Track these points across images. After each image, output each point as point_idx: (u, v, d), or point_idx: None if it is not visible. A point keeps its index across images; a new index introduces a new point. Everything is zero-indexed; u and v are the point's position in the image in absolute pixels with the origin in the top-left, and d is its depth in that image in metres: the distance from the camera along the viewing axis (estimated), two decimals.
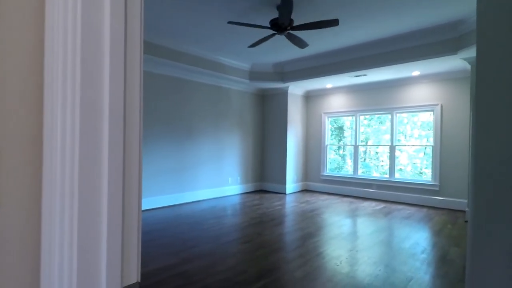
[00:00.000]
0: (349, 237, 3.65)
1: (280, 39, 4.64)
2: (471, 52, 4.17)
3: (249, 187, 6.97)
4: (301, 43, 4.01)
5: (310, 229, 3.95)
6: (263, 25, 3.90)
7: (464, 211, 4.99)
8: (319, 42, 4.79)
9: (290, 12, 3.25)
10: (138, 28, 0.62)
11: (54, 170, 0.58)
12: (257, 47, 5.02)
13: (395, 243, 3.46)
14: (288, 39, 3.88)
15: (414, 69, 5.14)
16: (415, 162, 5.97)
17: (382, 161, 6.37)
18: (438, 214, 4.88)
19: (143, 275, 2.55)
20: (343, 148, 6.99)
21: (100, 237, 0.57)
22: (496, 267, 1.36)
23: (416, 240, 3.54)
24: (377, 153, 6.50)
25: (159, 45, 4.68)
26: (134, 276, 0.62)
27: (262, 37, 4.51)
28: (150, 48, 4.58)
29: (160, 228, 3.93)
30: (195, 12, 3.72)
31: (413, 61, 4.65)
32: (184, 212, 4.84)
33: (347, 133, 6.93)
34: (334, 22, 3.43)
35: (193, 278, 2.51)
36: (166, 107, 5.27)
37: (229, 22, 3.56)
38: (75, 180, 0.55)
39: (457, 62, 4.67)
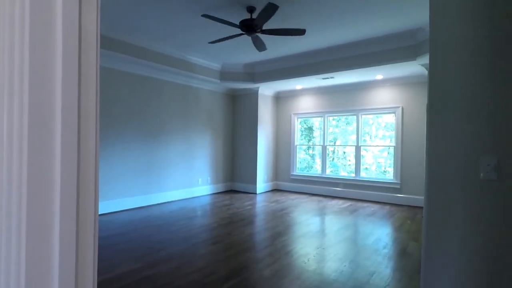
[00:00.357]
0: (317, 235, 3.75)
1: (250, 40, 4.66)
2: (428, 59, 4.46)
3: (220, 187, 6.92)
4: (262, 47, 4.06)
5: (279, 228, 4.01)
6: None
7: (422, 208, 5.33)
8: (288, 44, 4.87)
9: (269, 17, 3.26)
10: (94, 20, 0.60)
11: (0, 178, 0.53)
12: (228, 47, 5.00)
13: (359, 239, 3.61)
14: (252, 41, 3.89)
15: (377, 73, 5.40)
16: (380, 162, 6.27)
17: (349, 160, 6.62)
18: (399, 210, 5.17)
19: (106, 281, 2.44)
20: (313, 148, 7.18)
21: (51, 248, 0.54)
22: (446, 256, 1.46)
23: (379, 236, 3.71)
24: (344, 152, 6.75)
25: (124, 41, 4.50)
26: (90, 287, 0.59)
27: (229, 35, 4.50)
28: (115, 45, 4.39)
29: (126, 231, 3.78)
30: (162, 8, 3.62)
31: (376, 65, 4.88)
32: (152, 214, 4.70)
33: (316, 133, 7.12)
34: (301, 32, 3.57)
35: (160, 281, 2.45)
36: (132, 106, 5.08)
37: (203, 15, 3.51)
38: (24, 189, 0.52)
39: (416, 68, 4.97)
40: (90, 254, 0.59)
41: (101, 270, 2.64)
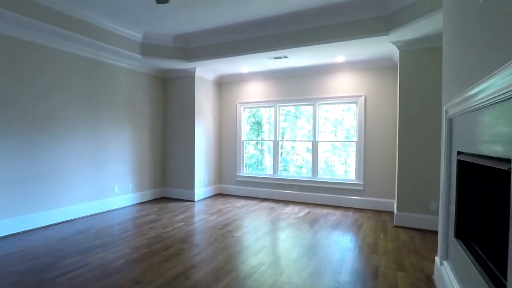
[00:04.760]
0: (270, 272, 2.61)
1: (180, 2, 3.31)
2: (403, 34, 3.60)
3: (147, 195, 5.44)
4: None
5: (218, 263, 2.79)
6: None
7: (389, 212, 4.57)
8: (230, 10, 3.62)
9: None
10: None
11: None
12: (151, 9, 3.57)
13: (329, 275, 2.56)
14: None
15: (338, 53, 4.44)
16: (327, 157, 5.44)
17: (298, 154, 5.70)
18: (365, 217, 4.32)
19: None
20: (261, 143, 6.10)
21: None
22: None
23: (353, 265, 2.72)
24: (293, 147, 5.79)
25: None
26: None
27: None
28: None
29: None
30: None
31: (339, 41, 3.92)
32: (27, 247, 3.12)
33: (265, 127, 6.04)
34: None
35: None
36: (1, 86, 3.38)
37: None
38: None
39: (385, 47, 4.11)
40: None
41: None
